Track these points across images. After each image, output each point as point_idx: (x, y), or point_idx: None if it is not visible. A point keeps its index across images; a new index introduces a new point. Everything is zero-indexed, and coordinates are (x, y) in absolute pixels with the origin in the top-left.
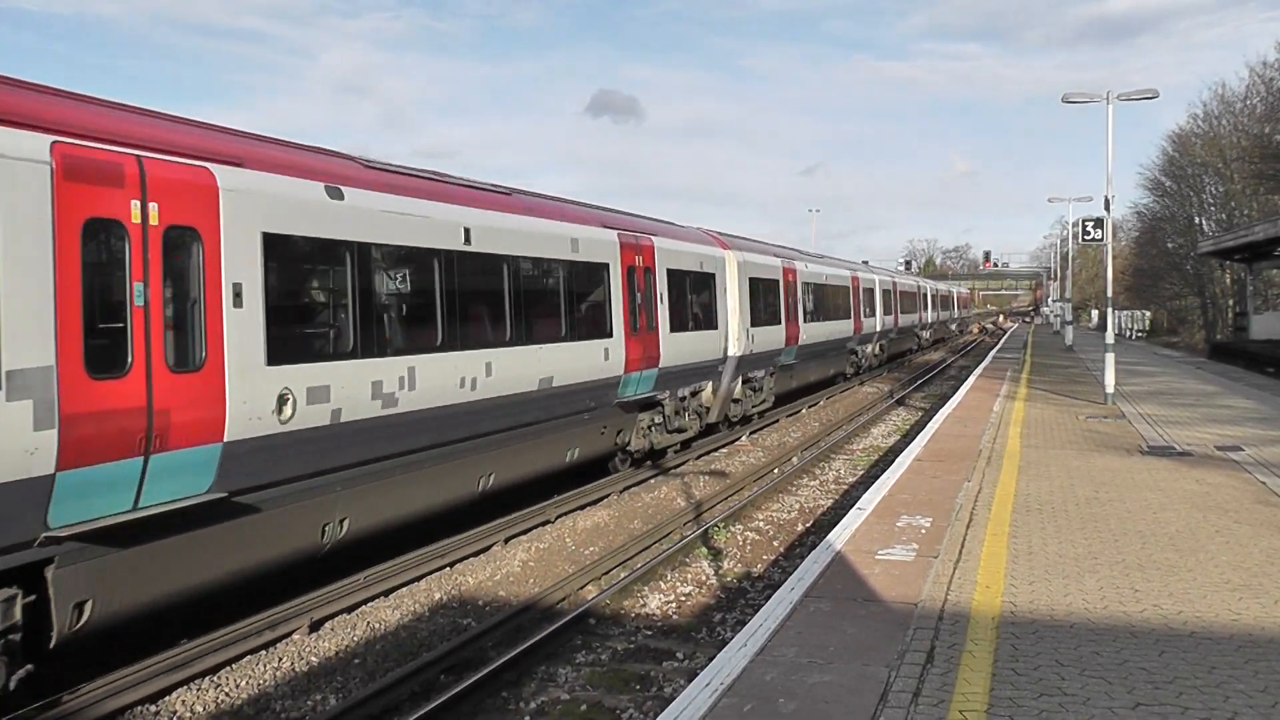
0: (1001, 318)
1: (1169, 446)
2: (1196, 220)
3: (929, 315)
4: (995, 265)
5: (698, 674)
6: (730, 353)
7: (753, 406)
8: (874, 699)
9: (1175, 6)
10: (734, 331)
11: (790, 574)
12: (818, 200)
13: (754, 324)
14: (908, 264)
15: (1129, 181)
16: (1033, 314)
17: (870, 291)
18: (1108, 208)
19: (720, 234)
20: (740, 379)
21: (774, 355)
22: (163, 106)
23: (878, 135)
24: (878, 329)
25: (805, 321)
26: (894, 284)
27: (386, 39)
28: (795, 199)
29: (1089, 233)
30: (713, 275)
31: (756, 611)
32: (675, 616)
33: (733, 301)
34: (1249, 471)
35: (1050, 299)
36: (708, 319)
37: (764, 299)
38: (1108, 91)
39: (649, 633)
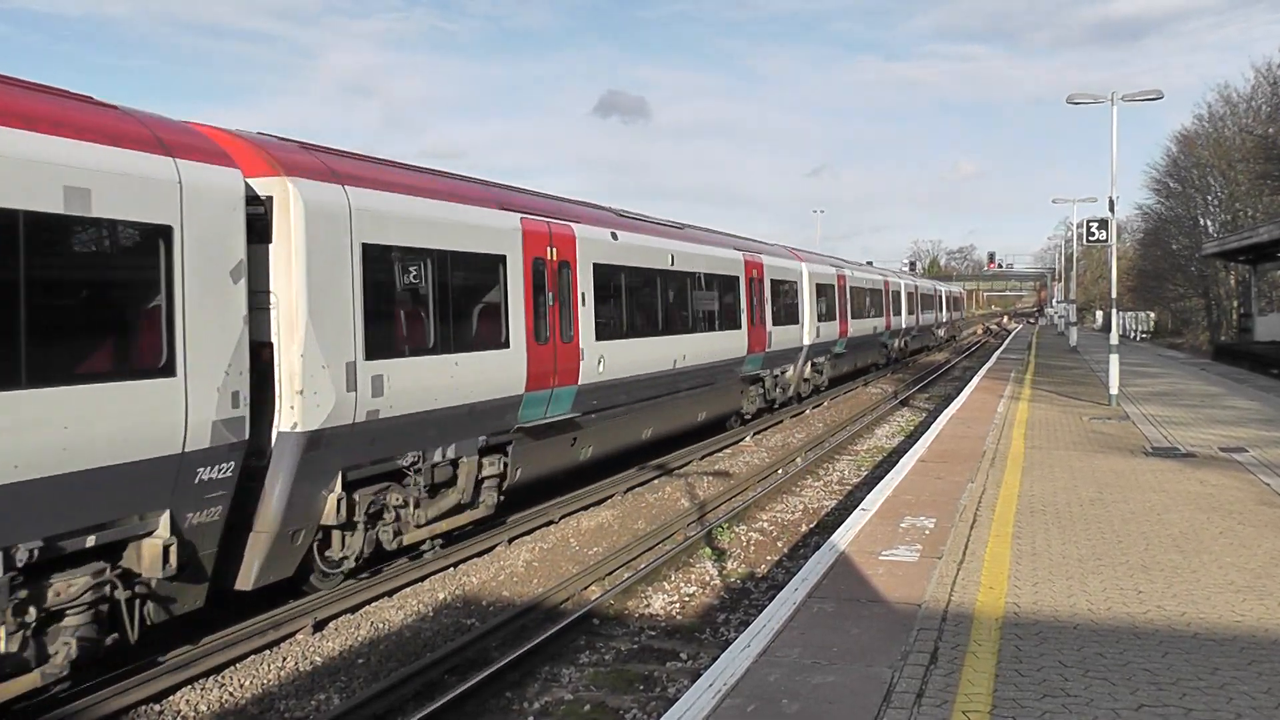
0: (1006, 319)
1: (1173, 448)
2: (1201, 221)
3: (902, 320)
4: (999, 266)
5: (701, 674)
6: (286, 426)
7: (426, 524)
8: (877, 700)
9: (1182, 8)
10: (293, 373)
11: (794, 575)
12: (824, 201)
13: (388, 351)
14: (912, 265)
15: (1134, 183)
16: (1037, 315)
17: (782, 285)
18: (1112, 209)
19: (292, 146)
20: (341, 482)
21: (498, 411)
22: (169, 108)
23: (884, 136)
24: (806, 342)
25: (605, 338)
26: (839, 277)
27: (393, 39)
28: (802, 200)
29: (1093, 234)
30: (162, 235)
31: (760, 612)
32: (679, 617)
33: (292, 305)
34: (1252, 473)
35: (1054, 300)
36: (125, 351)
37: (438, 297)
38: (1112, 93)
39: (653, 633)
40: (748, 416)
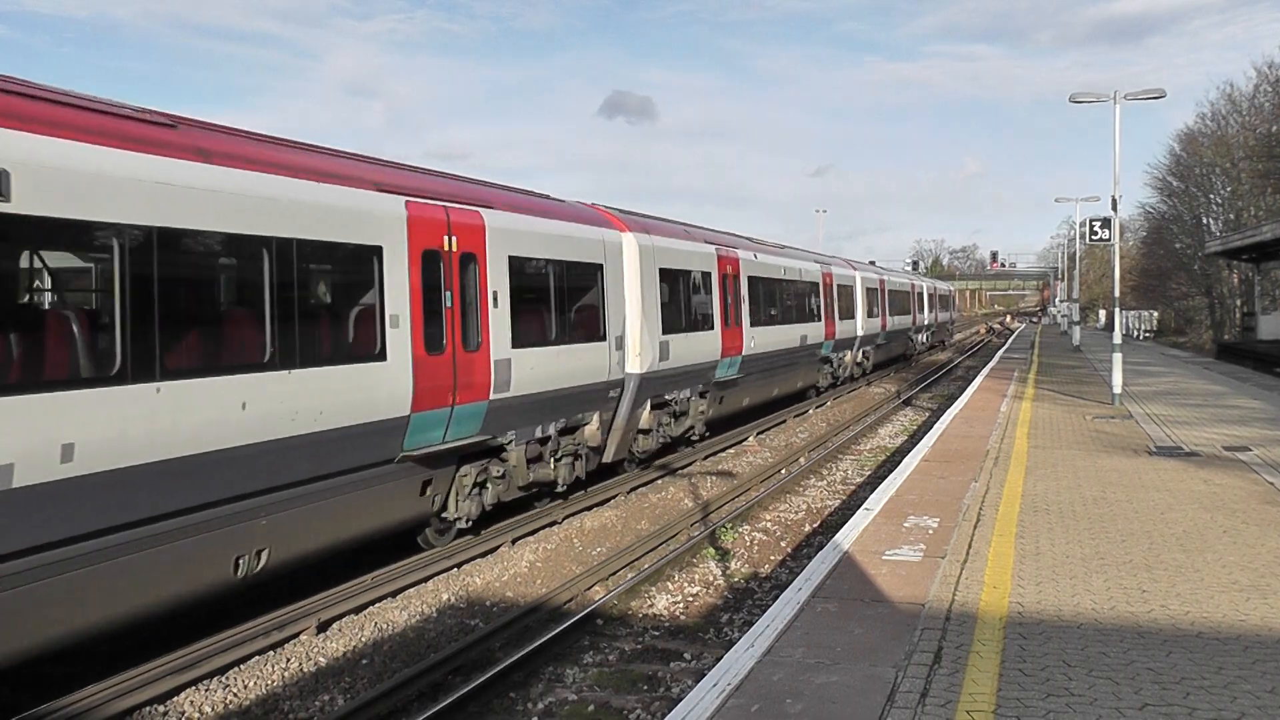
0: (1009, 318)
1: (1176, 447)
2: (1204, 220)
3: (857, 326)
4: (1002, 265)
5: (705, 674)
6: None
7: None
8: (881, 699)
9: (1186, 7)
10: None
11: (797, 574)
12: (828, 201)
13: None
14: (915, 264)
15: (1137, 181)
16: (1040, 314)
17: (549, 271)
18: (1115, 208)
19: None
20: None
21: None
22: (174, 109)
23: (888, 137)
24: (633, 370)
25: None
26: (725, 260)
27: (398, 40)
28: (807, 200)
29: (1096, 233)
30: None
31: (764, 612)
32: (683, 617)
33: None
34: (1256, 472)
35: (1057, 299)
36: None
37: None
38: (1114, 91)
39: (656, 633)
40: (445, 529)
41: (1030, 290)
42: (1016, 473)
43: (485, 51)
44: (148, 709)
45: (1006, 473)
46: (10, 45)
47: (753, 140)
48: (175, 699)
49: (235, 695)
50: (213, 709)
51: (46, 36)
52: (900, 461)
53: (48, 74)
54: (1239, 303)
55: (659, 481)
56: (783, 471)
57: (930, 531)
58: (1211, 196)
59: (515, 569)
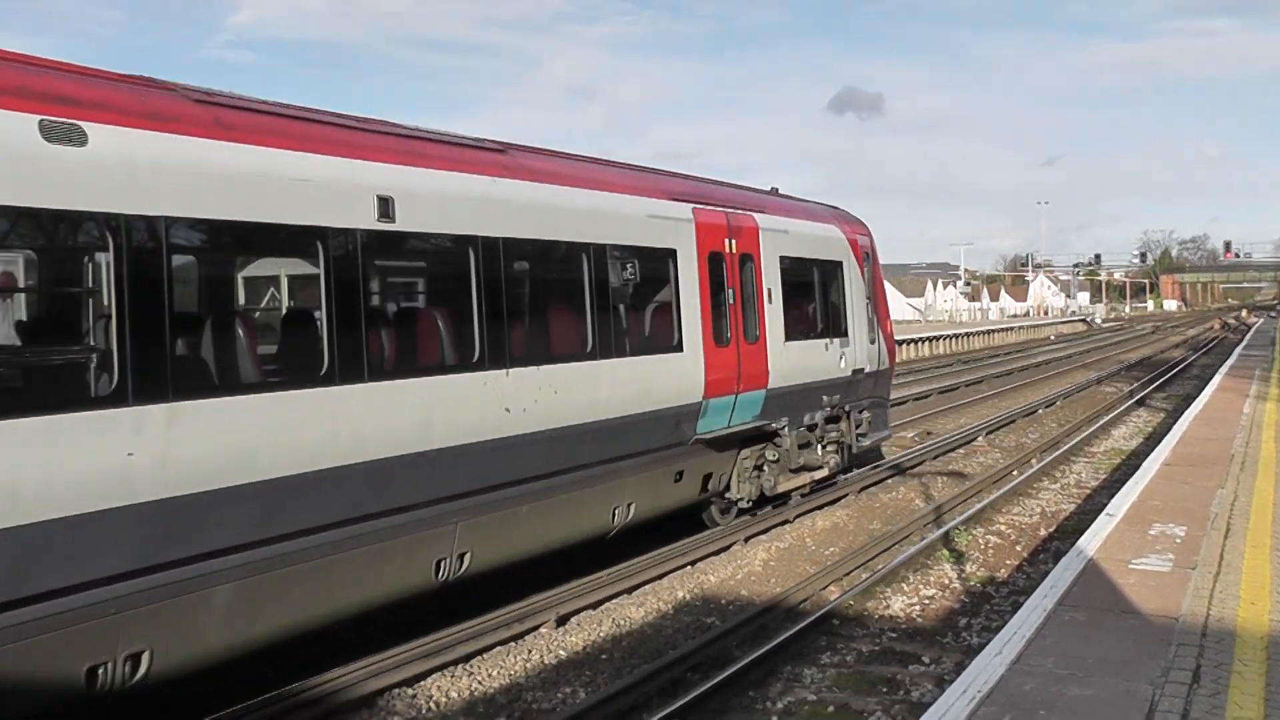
0: (1245, 312)
1: None
2: None
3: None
4: (1236, 256)
5: (945, 679)
6: None
7: None
8: (1139, 717)
9: None
10: None
11: (1037, 580)
12: (1057, 193)
13: None
14: (1143, 256)
15: None
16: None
17: None
18: None
19: None
20: None
21: None
22: (406, 120)
23: (1117, 122)
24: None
25: None
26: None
27: (621, 42)
28: (1033, 192)
29: None
30: None
31: (1002, 617)
32: (919, 620)
33: None
34: None
35: None
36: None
37: None
38: None
39: (893, 635)
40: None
41: (1267, 283)
42: (1266, 479)
43: (708, 50)
44: (398, 690)
45: (1255, 479)
46: (255, 71)
47: (980, 132)
48: (423, 683)
49: (480, 683)
50: (459, 695)
51: (287, 59)
52: (1137, 465)
53: (289, 94)
54: None
55: (889, 481)
56: (1014, 473)
57: (1178, 540)
58: None
59: (749, 567)
